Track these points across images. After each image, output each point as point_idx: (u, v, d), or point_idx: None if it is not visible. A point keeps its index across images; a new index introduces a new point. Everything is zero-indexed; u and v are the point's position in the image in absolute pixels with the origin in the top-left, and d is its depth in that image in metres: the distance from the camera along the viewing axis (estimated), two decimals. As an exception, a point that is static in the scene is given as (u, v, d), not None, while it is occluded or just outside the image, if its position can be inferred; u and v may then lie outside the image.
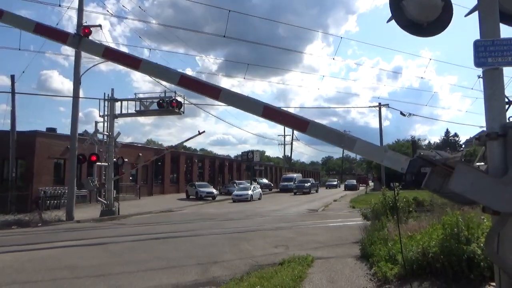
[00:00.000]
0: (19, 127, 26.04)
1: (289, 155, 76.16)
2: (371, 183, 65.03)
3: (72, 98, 21.44)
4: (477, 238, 5.88)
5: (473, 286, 5.10)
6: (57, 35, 4.65)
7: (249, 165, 56.63)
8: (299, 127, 3.74)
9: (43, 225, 18.04)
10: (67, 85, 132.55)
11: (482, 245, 5.36)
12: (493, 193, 2.76)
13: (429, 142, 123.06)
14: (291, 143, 72.91)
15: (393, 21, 3.77)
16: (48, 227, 17.45)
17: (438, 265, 5.85)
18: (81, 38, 4.17)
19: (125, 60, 4.80)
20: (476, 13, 3.44)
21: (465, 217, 6.21)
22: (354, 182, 63.76)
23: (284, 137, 69.99)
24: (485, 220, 6.33)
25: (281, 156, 79.44)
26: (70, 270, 8.32)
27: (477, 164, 3.34)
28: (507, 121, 3.05)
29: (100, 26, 22.11)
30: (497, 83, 3.15)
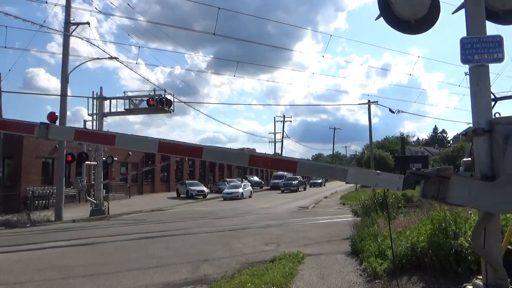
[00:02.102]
0: (6, 127, 25.59)
1: (280, 153, 76.30)
2: None
3: (60, 96, 21.18)
4: (464, 233, 5.97)
5: (461, 280, 5.16)
6: (23, 128, 4.37)
7: (240, 163, 56.48)
8: (288, 169, 3.75)
9: (32, 226, 17.80)
10: (54, 83, 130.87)
11: (469, 239, 5.45)
12: (489, 198, 2.81)
13: (418, 138, 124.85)
14: (282, 141, 73.02)
15: (381, 18, 3.80)
16: (36, 228, 17.23)
17: (427, 260, 5.92)
18: (48, 126, 3.93)
19: (98, 139, 4.75)
20: (463, 11, 3.49)
21: (453, 212, 6.30)
22: None
23: (275, 135, 70.10)
24: (472, 215, 6.43)
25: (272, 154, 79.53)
26: (59, 270, 8.23)
27: (465, 159, 3.38)
28: (493, 117, 3.10)
29: (88, 23, 21.91)
30: (483, 79, 3.19)
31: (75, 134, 4.21)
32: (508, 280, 2.97)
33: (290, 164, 3.60)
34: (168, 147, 4.08)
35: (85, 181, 21.52)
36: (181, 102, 29.62)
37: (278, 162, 3.84)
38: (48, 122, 4.11)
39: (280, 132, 70.95)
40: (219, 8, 13.78)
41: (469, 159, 3.29)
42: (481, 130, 3.00)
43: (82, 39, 23.11)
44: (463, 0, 3.45)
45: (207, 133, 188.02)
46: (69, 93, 22.11)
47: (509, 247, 4.93)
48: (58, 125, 4.63)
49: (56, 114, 4.90)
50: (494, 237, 2.99)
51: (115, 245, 11.45)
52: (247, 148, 59.26)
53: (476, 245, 3.12)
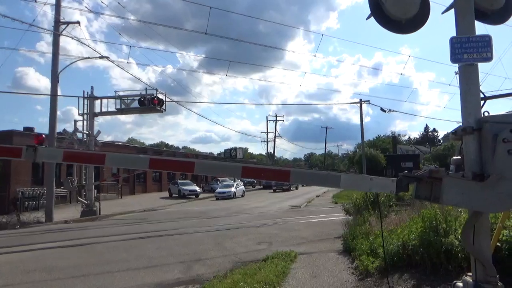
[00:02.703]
0: (-5, 127, 25.33)
1: (272, 152, 76.30)
2: None
3: (50, 96, 20.96)
4: (454, 230, 6.04)
5: (451, 277, 5.22)
6: (10, 152, 4.37)
7: (232, 162, 56.46)
8: (282, 178, 3.70)
9: (21, 227, 17.60)
10: (43, 83, 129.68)
11: (459, 237, 5.50)
12: (482, 198, 2.84)
13: (409, 137, 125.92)
14: (274, 140, 73.00)
15: (372, 18, 3.81)
16: (26, 229, 17.03)
17: (418, 257, 5.98)
18: (35, 149, 3.88)
19: (88, 159, 4.75)
20: (452, 10, 3.51)
21: (443, 210, 6.37)
22: None
23: (267, 134, 70.03)
24: (462, 213, 6.50)
25: (264, 153, 79.59)
26: (49, 272, 8.15)
27: (455, 158, 3.41)
28: (482, 115, 3.13)
29: (78, 22, 21.70)
30: (472, 78, 3.22)
31: (63, 155, 4.12)
32: (497, 276, 3.00)
33: (283, 173, 3.59)
34: (159, 163, 4.05)
35: (76, 182, 21.32)
36: (173, 101, 29.62)
37: (270, 172, 3.79)
38: (35, 145, 4.04)
39: (273, 132, 70.98)
40: (210, 7, 13.74)
41: (459, 157, 3.32)
42: (470, 128, 3.03)
43: (72, 38, 22.83)
44: (453, 0, 3.47)
45: (199, 133, 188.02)
46: (59, 92, 21.89)
47: (498, 244, 5.00)
48: (46, 146, 4.57)
49: (43, 136, 4.84)
50: (483, 234, 3.03)
51: (106, 246, 11.36)
52: (240, 148, 59.24)
53: (466, 243, 3.15)
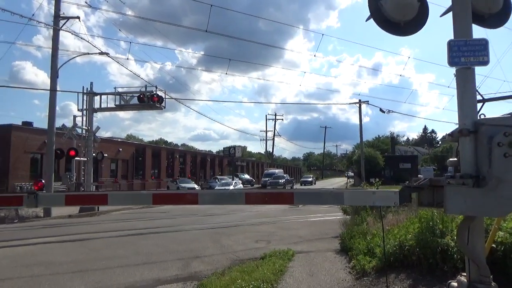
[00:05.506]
0: (-7, 121, 25.32)
1: (271, 151, 76.40)
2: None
3: (49, 91, 20.95)
4: (451, 231, 6.09)
5: (447, 277, 5.26)
6: (11, 201, 4.43)
7: (231, 160, 56.63)
8: (286, 201, 3.77)
9: (20, 222, 17.64)
10: (41, 77, 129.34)
11: (455, 237, 5.55)
12: (485, 204, 2.87)
13: (408, 138, 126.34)
14: (273, 139, 73.07)
15: (372, 19, 3.85)
16: (25, 224, 17.08)
17: (414, 258, 6.03)
18: (36, 196, 3.83)
19: (91, 201, 4.93)
20: (451, 13, 3.55)
21: (440, 211, 6.42)
22: (352, 174, 72.83)
23: (266, 133, 70.11)
24: (458, 214, 6.55)
25: (263, 152, 79.67)
26: (47, 267, 8.19)
27: (451, 159, 3.45)
28: (478, 118, 3.17)
29: (78, 17, 21.72)
30: (469, 81, 3.26)
31: (65, 199, 4.06)
32: (491, 276, 3.05)
33: (287, 195, 3.66)
34: (163, 198, 4.10)
35: (74, 177, 21.34)
36: (173, 98, 29.56)
37: (275, 196, 3.85)
38: (36, 191, 4.01)
39: (272, 130, 71.01)
40: (211, 5, 13.75)
41: (455, 159, 3.35)
42: (466, 131, 3.06)
43: (72, 34, 22.80)
44: (451, 3, 3.51)
45: (198, 130, 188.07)
46: (58, 88, 21.87)
47: (493, 245, 5.05)
48: (45, 192, 4.60)
49: (43, 181, 4.92)
50: (477, 235, 3.07)
51: (104, 242, 11.41)
52: (238, 146, 59.20)
53: (460, 244, 3.19)
